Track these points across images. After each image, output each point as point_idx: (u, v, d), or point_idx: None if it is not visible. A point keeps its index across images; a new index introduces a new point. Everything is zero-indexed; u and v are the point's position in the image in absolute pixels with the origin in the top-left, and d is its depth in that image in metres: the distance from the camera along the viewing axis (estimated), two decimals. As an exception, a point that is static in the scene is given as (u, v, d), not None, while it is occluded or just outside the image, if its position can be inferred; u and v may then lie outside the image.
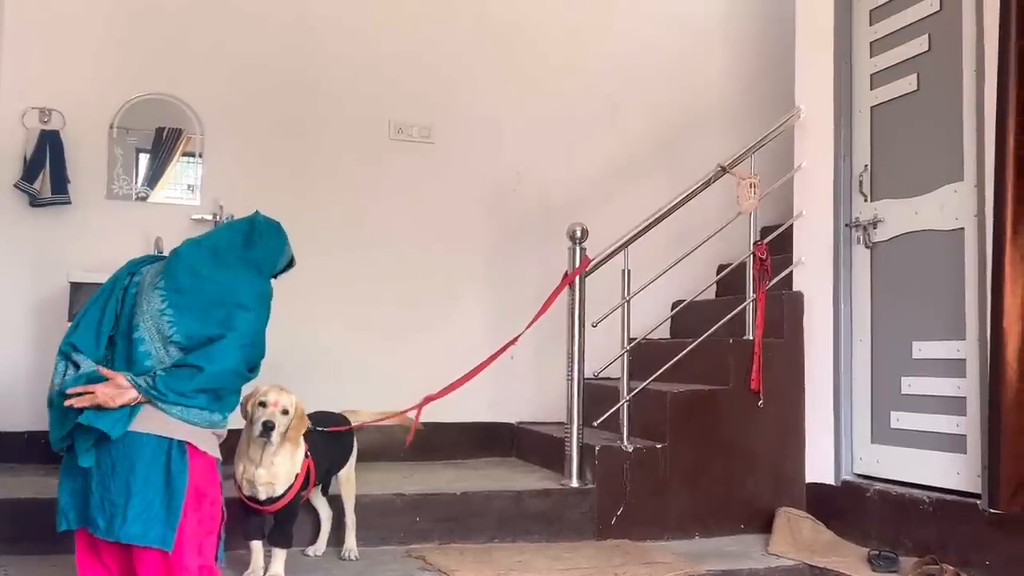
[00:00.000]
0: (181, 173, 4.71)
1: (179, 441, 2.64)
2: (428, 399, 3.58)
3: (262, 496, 3.02)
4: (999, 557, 3.32)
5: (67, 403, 2.59)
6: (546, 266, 4.72)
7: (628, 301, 4.15)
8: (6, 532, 3.33)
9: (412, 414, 3.57)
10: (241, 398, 2.96)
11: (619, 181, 5.34)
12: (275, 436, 2.96)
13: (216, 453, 2.79)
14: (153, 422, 2.62)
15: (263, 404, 2.99)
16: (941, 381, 3.69)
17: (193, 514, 2.65)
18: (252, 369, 2.84)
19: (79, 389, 2.59)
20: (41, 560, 3.20)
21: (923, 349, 3.78)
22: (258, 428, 2.95)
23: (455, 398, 4.45)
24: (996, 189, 3.31)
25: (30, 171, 4.40)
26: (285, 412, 3.00)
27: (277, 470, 3.02)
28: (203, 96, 4.73)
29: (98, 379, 2.63)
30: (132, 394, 2.60)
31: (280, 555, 3.10)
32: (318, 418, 3.31)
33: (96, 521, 2.59)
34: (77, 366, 2.71)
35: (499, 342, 3.93)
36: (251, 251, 2.92)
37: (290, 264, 3.14)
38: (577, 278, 4.05)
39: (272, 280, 3.05)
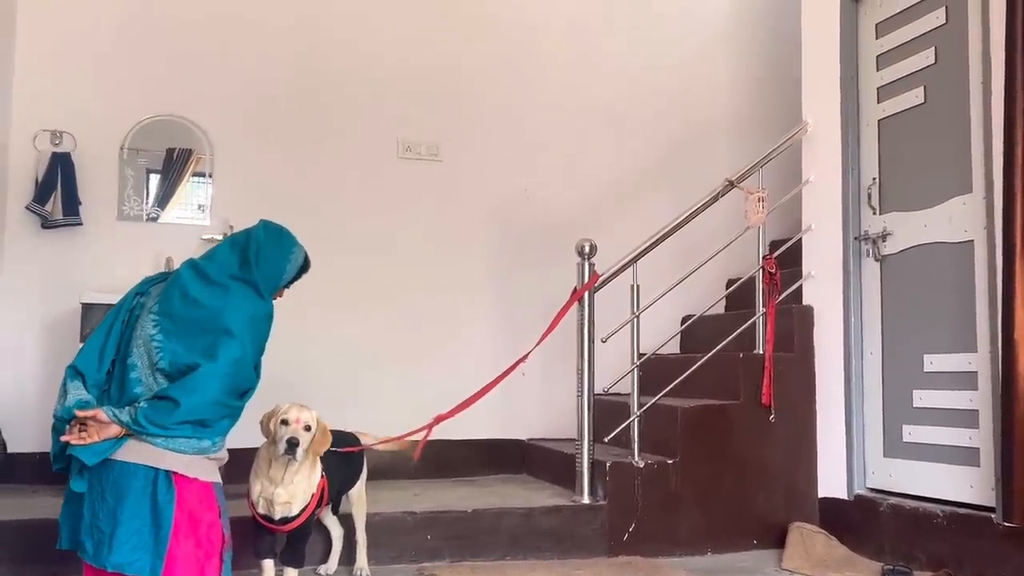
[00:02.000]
0: (191, 193, 4.73)
1: (165, 471, 2.61)
2: (439, 418, 3.54)
3: (277, 516, 3.00)
4: (1015, 571, 3.28)
5: (61, 439, 2.59)
6: (554, 282, 4.71)
7: (637, 316, 4.14)
8: (18, 552, 3.33)
9: (422, 433, 3.54)
10: (240, 418, 2.85)
11: (626, 197, 5.34)
12: (300, 453, 2.93)
13: (212, 477, 2.73)
14: (141, 452, 2.59)
15: (285, 422, 2.96)
16: (953, 394, 3.66)
17: (188, 539, 2.62)
18: (243, 394, 2.76)
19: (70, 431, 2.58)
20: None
21: (934, 362, 3.75)
22: (283, 446, 2.91)
23: (465, 415, 4.42)
24: (1005, 201, 3.30)
25: (42, 193, 4.42)
26: (307, 428, 2.98)
27: (296, 489, 3.00)
28: (212, 117, 4.75)
29: (85, 407, 2.60)
30: (114, 429, 2.57)
31: (293, 575, 3.08)
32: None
33: (85, 545, 2.58)
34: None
35: (508, 359, 3.90)
36: (247, 271, 2.83)
37: (304, 269, 3.03)
38: (586, 294, 4.04)
39: (285, 289, 3.01)
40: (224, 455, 2.81)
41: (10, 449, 4.21)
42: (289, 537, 3.09)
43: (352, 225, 4.90)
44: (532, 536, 3.79)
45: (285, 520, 3.02)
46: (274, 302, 2.95)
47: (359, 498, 3.47)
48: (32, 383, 4.37)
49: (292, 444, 2.91)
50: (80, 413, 2.58)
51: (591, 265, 4.08)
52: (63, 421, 2.63)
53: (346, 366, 4.77)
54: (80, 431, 2.57)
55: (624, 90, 5.42)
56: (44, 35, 4.55)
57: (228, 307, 2.74)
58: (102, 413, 2.57)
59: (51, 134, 4.52)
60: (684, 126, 5.52)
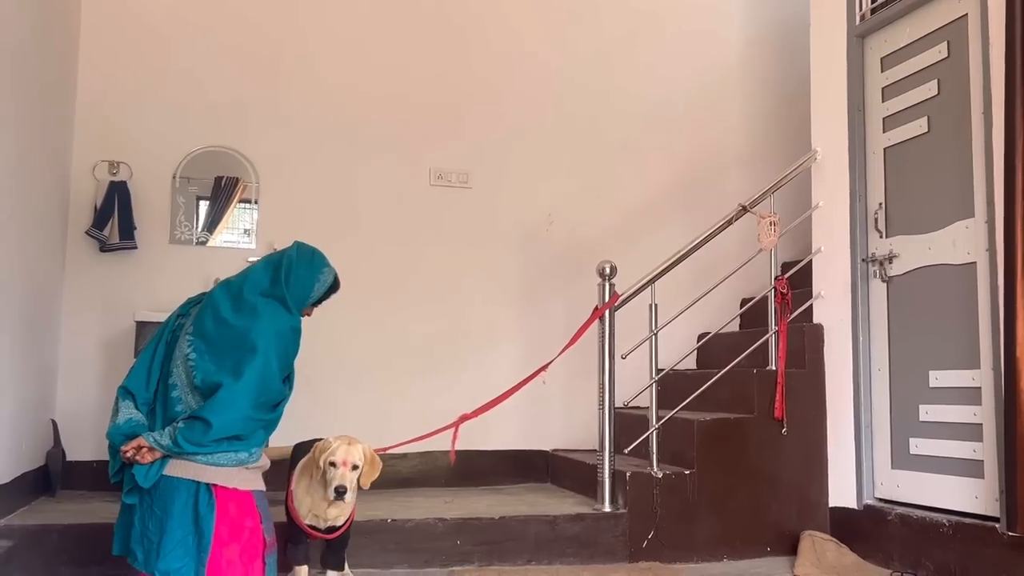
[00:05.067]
0: (238, 218, 4.82)
1: (206, 484, 2.67)
2: (464, 417, 3.59)
3: (323, 527, 3.05)
4: (1019, 579, 3.27)
5: (120, 455, 2.67)
6: (576, 302, 4.77)
7: (655, 334, 4.16)
8: (76, 555, 3.40)
9: (450, 434, 3.57)
10: (277, 427, 2.87)
11: (645, 221, 5.37)
12: (348, 496, 2.94)
13: (251, 486, 2.76)
14: (184, 468, 2.66)
15: (333, 464, 2.94)
16: (957, 408, 3.65)
17: (230, 546, 2.68)
18: (276, 406, 2.79)
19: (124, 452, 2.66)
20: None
21: (939, 378, 3.75)
22: (332, 493, 2.91)
23: (492, 427, 4.52)
24: (1006, 225, 3.31)
25: (100, 219, 4.52)
26: (355, 468, 2.96)
27: (346, 506, 3.04)
28: (258, 147, 4.85)
29: (133, 433, 2.67)
30: (156, 453, 2.64)
31: (335, 576, 3.14)
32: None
33: (135, 553, 2.66)
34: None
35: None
36: (277, 287, 2.86)
37: (333, 289, 3.05)
38: (607, 312, 4.07)
39: (313, 308, 3.03)
40: (265, 462, 2.85)
41: (69, 457, 4.29)
42: (332, 543, 3.14)
43: (386, 247, 4.97)
44: (557, 542, 3.81)
45: (330, 530, 3.07)
46: (303, 319, 2.97)
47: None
48: (90, 396, 4.46)
49: (340, 492, 2.91)
50: (124, 449, 2.64)
51: (611, 285, 4.11)
52: (115, 439, 2.71)
53: (379, 378, 4.84)
54: (135, 453, 2.64)
55: (642, 122, 5.46)
56: (103, 71, 4.67)
57: (256, 324, 2.76)
58: (143, 439, 2.64)
59: (109, 164, 4.63)
60: (699, 155, 5.54)
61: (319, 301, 3.06)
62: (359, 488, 3.03)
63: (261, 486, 2.82)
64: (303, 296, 2.95)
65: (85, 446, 4.38)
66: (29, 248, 3.92)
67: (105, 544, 3.21)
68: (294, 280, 2.90)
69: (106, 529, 3.31)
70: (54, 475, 4.17)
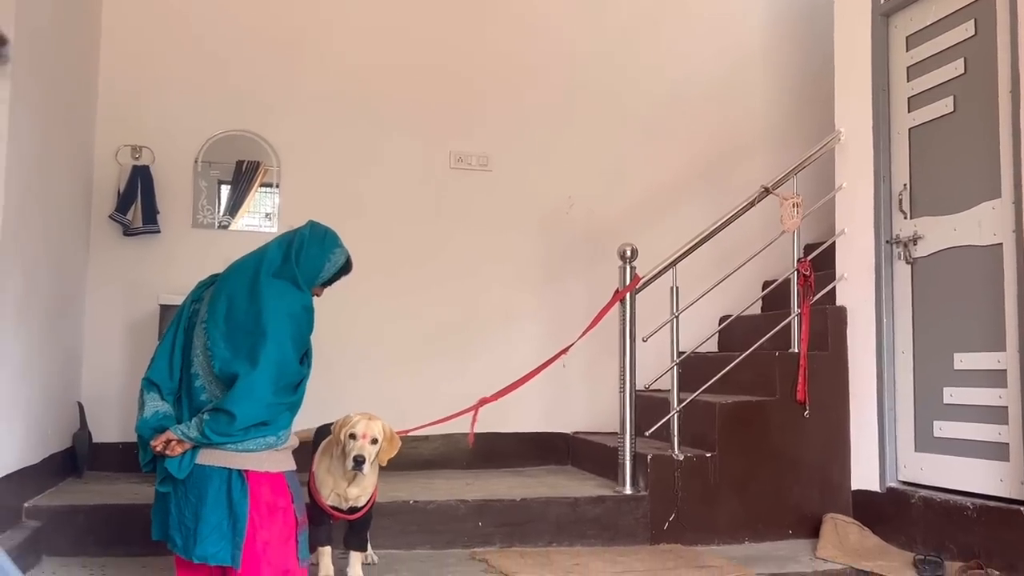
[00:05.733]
0: (259, 202, 4.82)
1: (238, 470, 2.67)
2: (483, 401, 3.58)
3: (345, 507, 3.06)
4: (1044, 562, 3.23)
5: (151, 448, 2.67)
6: (597, 285, 4.73)
7: (677, 316, 4.13)
8: (103, 535, 3.44)
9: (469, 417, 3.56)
10: (301, 405, 2.84)
11: (666, 203, 5.32)
12: (366, 467, 2.94)
13: (282, 467, 2.76)
14: (215, 456, 2.65)
15: (353, 436, 2.96)
16: (982, 391, 3.60)
17: (269, 528, 2.68)
18: (297, 386, 2.77)
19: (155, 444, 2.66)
20: (132, 561, 3.31)
21: (964, 360, 3.70)
22: (350, 463, 2.93)
23: (513, 410, 4.52)
24: (1034, 205, 3.24)
25: (123, 203, 4.53)
26: (374, 441, 2.97)
27: (367, 484, 3.04)
28: (279, 131, 4.84)
29: (161, 426, 2.67)
30: (185, 444, 2.64)
31: (358, 558, 3.14)
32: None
33: (175, 539, 2.66)
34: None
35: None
36: (287, 266, 2.82)
37: (344, 270, 3.00)
38: (628, 295, 4.04)
39: (324, 288, 2.98)
40: (294, 441, 2.85)
41: (95, 439, 4.32)
42: (354, 524, 3.14)
43: (406, 229, 4.96)
44: (578, 524, 3.81)
45: (352, 510, 3.07)
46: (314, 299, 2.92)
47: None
48: (115, 378, 4.49)
49: (359, 462, 2.92)
50: (154, 444, 2.64)
51: (632, 268, 4.08)
52: (144, 432, 2.70)
53: (398, 361, 4.84)
54: (165, 446, 2.64)
55: (664, 102, 5.41)
56: (125, 56, 4.67)
57: (266, 308, 2.72)
58: (171, 433, 2.63)
59: (132, 149, 4.63)
60: (721, 136, 5.48)
61: (329, 282, 3.01)
62: (378, 467, 3.04)
63: (292, 466, 2.81)
64: (313, 275, 2.90)
65: (111, 428, 4.41)
66: (54, 232, 3.94)
67: (131, 524, 3.27)
68: (305, 258, 2.86)
69: (132, 510, 3.38)
70: (81, 457, 4.21)
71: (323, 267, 2.92)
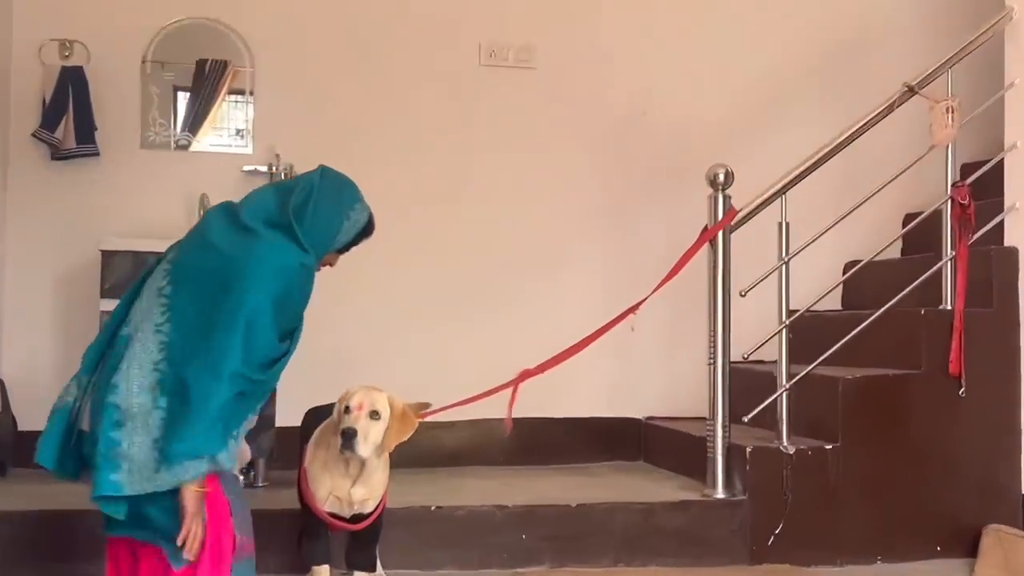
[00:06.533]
0: (228, 115, 4.84)
1: None
2: (526, 374, 3.54)
3: (348, 514, 3.08)
4: None
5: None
6: (677, 221, 4.69)
7: (786, 263, 4.10)
8: (39, 548, 3.49)
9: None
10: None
11: (772, 112, 5.29)
12: (359, 447, 2.91)
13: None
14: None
15: (348, 409, 2.97)
16: None
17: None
18: (273, 364, 2.67)
19: None
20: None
21: None
22: (339, 441, 2.92)
23: (566, 388, 4.52)
24: None
25: (50, 117, 4.56)
26: (375, 415, 2.97)
27: (375, 483, 3.06)
28: (254, 20, 4.83)
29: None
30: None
31: (363, 580, 3.19)
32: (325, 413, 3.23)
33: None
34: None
35: (618, 313, 3.92)
36: (285, 214, 2.75)
37: (365, 232, 2.96)
38: (720, 233, 4.02)
39: (337, 256, 2.97)
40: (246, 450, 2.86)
41: (21, 427, 4.40)
42: (359, 537, 3.17)
43: (425, 151, 4.96)
44: (652, 537, 3.83)
45: (357, 518, 3.09)
46: (324, 268, 2.91)
47: None
48: (46, 351, 4.57)
49: (348, 436, 2.89)
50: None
51: (727, 198, 4.06)
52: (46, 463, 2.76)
53: (416, 324, 4.87)
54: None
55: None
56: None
57: (251, 257, 2.66)
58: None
59: (60, 44, 4.65)
60: (848, 19, 5.42)
61: (347, 247, 2.97)
62: (388, 462, 3.07)
63: (231, 468, 2.70)
64: (326, 239, 2.85)
65: (40, 414, 4.42)
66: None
67: (70, 531, 3.31)
68: (314, 216, 2.79)
69: (71, 516, 3.42)
70: (3, 450, 4.28)
71: (339, 228, 2.87)
